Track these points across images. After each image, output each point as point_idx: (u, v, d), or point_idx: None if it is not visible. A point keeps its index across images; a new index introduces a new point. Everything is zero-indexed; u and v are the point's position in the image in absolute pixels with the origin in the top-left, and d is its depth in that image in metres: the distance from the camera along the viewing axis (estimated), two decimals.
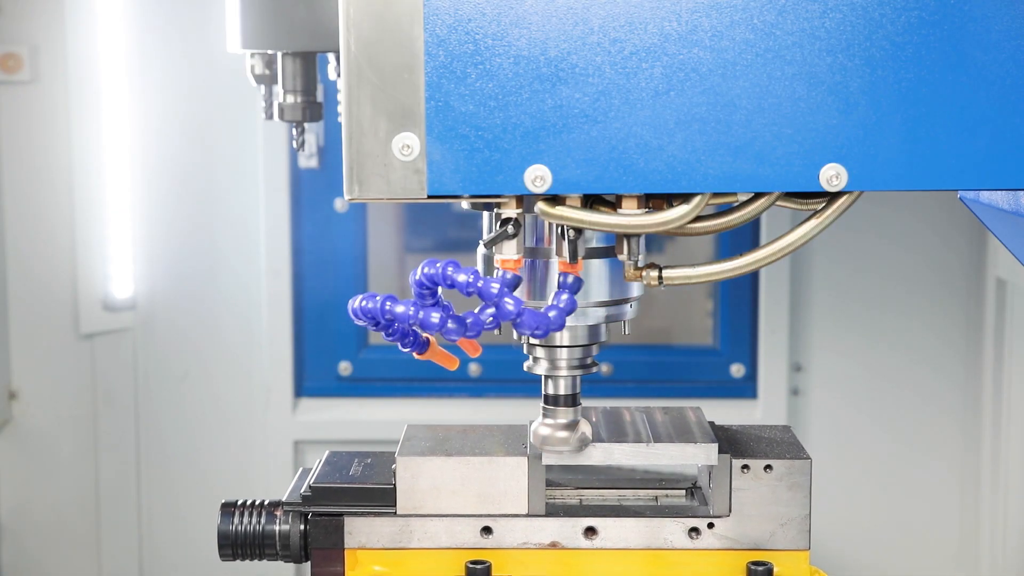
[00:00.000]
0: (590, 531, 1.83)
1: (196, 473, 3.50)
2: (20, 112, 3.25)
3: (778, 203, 1.59)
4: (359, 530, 1.84)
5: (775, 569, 1.79)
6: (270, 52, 2.44)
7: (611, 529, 1.83)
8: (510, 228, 1.52)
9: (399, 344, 1.70)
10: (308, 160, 3.39)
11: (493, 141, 1.44)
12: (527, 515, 1.83)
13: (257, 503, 1.89)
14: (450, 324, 1.54)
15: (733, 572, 1.82)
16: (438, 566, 1.83)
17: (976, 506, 3.40)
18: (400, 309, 1.54)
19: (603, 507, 1.89)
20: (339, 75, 2.74)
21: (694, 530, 1.83)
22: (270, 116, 2.55)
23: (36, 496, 3.40)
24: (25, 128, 3.26)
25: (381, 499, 1.84)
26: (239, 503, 1.90)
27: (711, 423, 1.91)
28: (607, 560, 1.83)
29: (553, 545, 1.83)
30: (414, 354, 1.74)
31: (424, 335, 1.72)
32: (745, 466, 1.82)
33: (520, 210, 1.52)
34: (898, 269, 3.39)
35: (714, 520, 1.83)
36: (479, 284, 1.51)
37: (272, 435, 3.45)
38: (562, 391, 1.77)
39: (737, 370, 3.47)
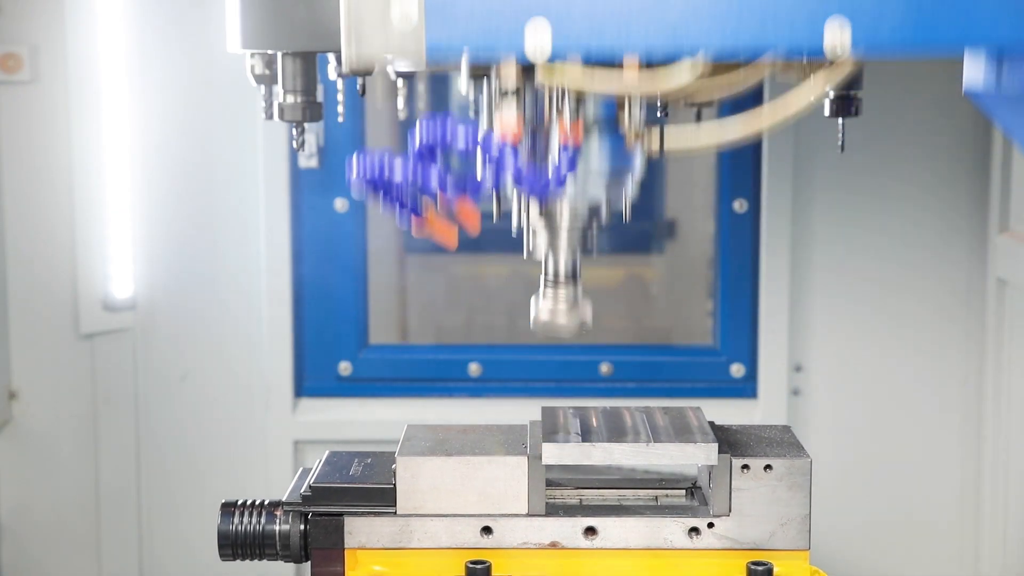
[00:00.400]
0: (590, 531, 1.84)
1: (196, 473, 3.50)
2: (20, 112, 3.25)
3: (779, 78, 1.57)
4: (359, 530, 1.84)
5: (775, 569, 1.79)
6: (270, 52, 2.44)
7: (611, 529, 1.83)
8: (510, 94, 1.50)
9: (396, 213, 1.67)
10: (308, 160, 3.39)
11: (492, 5, 1.42)
12: (527, 515, 1.83)
13: (257, 503, 1.89)
14: (449, 182, 1.52)
15: (733, 572, 1.82)
16: (438, 566, 1.84)
17: (976, 506, 3.40)
18: (400, 166, 1.52)
19: (603, 507, 1.89)
20: (339, 75, 2.74)
21: (694, 530, 1.83)
22: (270, 116, 2.55)
23: (36, 496, 3.40)
24: (25, 128, 3.26)
25: (381, 499, 1.84)
26: (239, 503, 1.90)
27: (711, 423, 1.91)
28: (607, 560, 1.84)
29: (553, 545, 1.83)
30: (413, 225, 1.69)
31: (423, 205, 1.68)
32: (745, 466, 1.82)
33: (520, 83, 1.51)
34: (898, 269, 3.39)
35: (714, 520, 1.83)
36: (479, 139, 1.49)
37: (272, 435, 3.45)
38: (562, 269, 1.74)
39: (737, 370, 3.47)
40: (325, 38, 2.21)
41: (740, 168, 3.41)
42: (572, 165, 1.57)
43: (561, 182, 1.56)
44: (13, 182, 3.26)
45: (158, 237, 3.44)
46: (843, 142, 2.54)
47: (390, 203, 1.63)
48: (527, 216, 1.72)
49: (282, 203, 3.38)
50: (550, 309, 1.75)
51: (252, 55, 2.52)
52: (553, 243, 1.73)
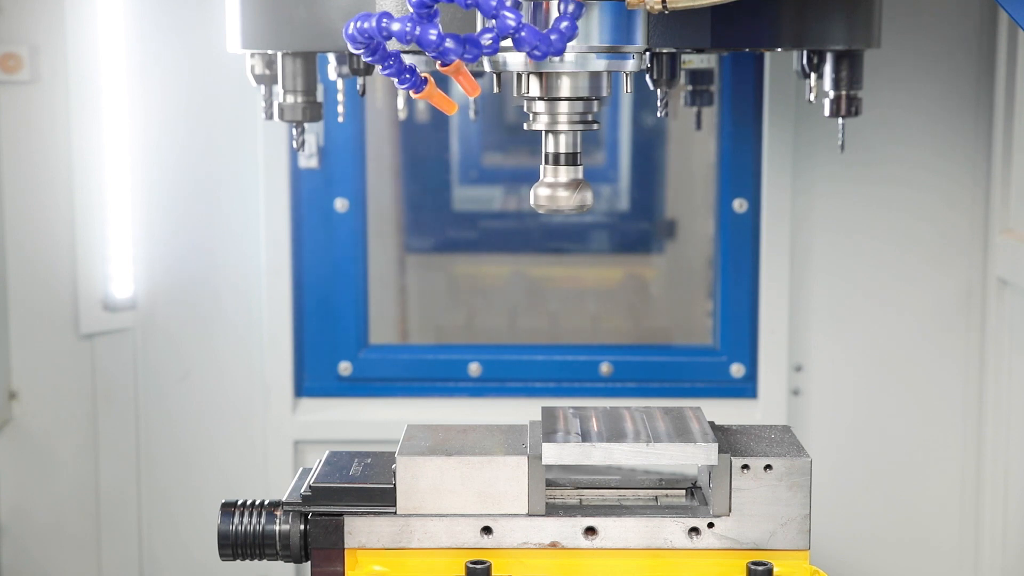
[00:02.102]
0: (590, 531, 1.84)
1: (196, 473, 3.50)
2: (20, 112, 3.25)
3: None
4: (359, 530, 1.84)
5: (775, 569, 1.79)
6: (270, 52, 2.44)
7: (611, 529, 1.84)
8: None
9: (396, 81, 1.63)
10: (308, 160, 3.39)
11: None
12: (527, 515, 1.83)
13: (257, 503, 1.90)
14: (448, 42, 1.50)
15: (733, 572, 1.82)
16: (438, 566, 1.84)
17: (977, 506, 3.40)
18: (397, 26, 1.49)
19: (603, 507, 1.89)
20: (339, 75, 2.74)
21: (694, 530, 1.83)
22: (270, 116, 2.55)
23: (36, 496, 3.40)
24: (25, 128, 3.26)
25: (381, 499, 1.84)
26: (239, 503, 1.90)
27: (711, 423, 1.91)
28: (607, 560, 1.84)
29: (553, 545, 1.84)
30: (411, 93, 1.66)
31: (422, 74, 1.66)
32: (745, 466, 1.82)
33: None
34: (898, 269, 3.39)
35: (714, 520, 1.83)
36: None
37: (272, 435, 3.45)
38: (563, 148, 1.72)
39: (737, 370, 3.47)
40: (325, 38, 2.22)
41: (740, 168, 3.41)
42: (572, 31, 1.54)
43: (561, 50, 1.53)
44: (13, 182, 3.26)
45: (158, 237, 3.44)
46: (843, 142, 2.55)
47: (387, 72, 1.60)
48: (526, 95, 1.70)
49: (282, 203, 3.38)
50: (550, 187, 1.73)
51: (252, 55, 2.52)
52: (553, 125, 1.70)
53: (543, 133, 1.72)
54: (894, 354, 3.42)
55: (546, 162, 1.73)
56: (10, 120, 3.24)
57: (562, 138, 1.71)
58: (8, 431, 3.34)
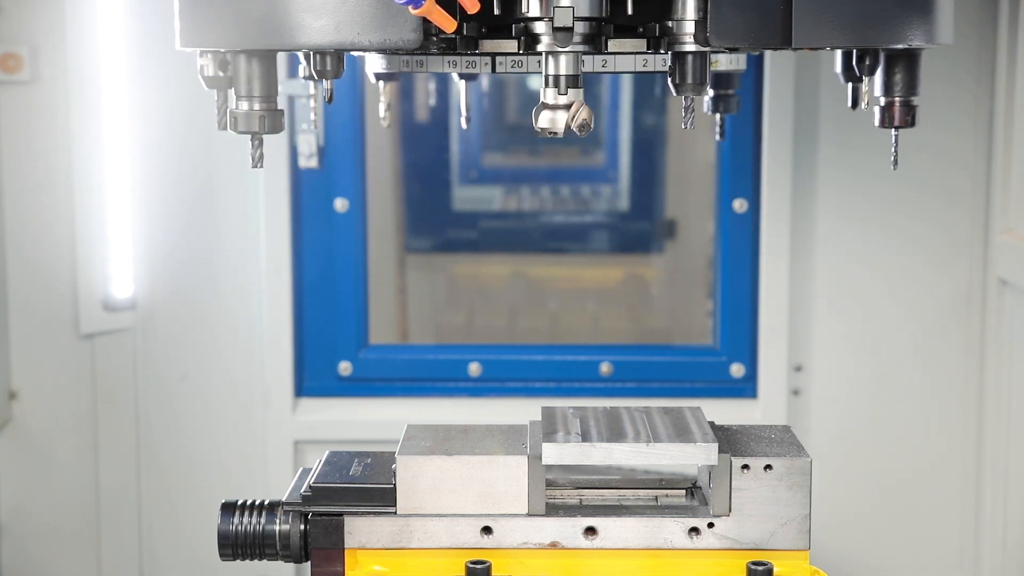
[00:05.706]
0: (590, 531, 1.84)
1: (196, 473, 3.50)
2: (20, 112, 3.25)
3: None
4: (359, 530, 1.84)
5: (775, 569, 1.79)
6: (222, 51, 2.05)
7: (611, 529, 1.84)
8: None
9: None
10: (308, 160, 3.39)
11: None
12: (527, 515, 1.83)
13: (257, 503, 1.90)
14: None
15: (733, 572, 1.83)
16: (438, 566, 1.84)
17: (976, 506, 3.40)
18: None
19: (603, 507, 1.89)
20: (305, 77, 2.58)
21: (694, 530, 1.83)
22: (223, 126, 2.10)
23: (36, 496, 3.40)
24: (25, 128, 3.26)
25: (381, 499, 1.84)
26: (239, 503, 1.90)
27: (711, 423, 1.91)
28: (607, 560, 1.84)
29: (553, 545, 1.84)
30: (410, 9, 1.61)
31: None
32: (745, 466, 1.82)
33: None
34: (898, 269, 3.39)
35: (714, 520, 1.83)
36: None
37: (272, 435, 3.45)
38: (563, 70, 1.68)
39: (737, 370, 3.47)
40: (284, 34, 1.82)
41: (740, 168, 3.41)
42: None
43: None
44: (13, 182, 3.26)
45: (158, 237, 3.44)
46: (896, 156, 2.14)
47: None
48: (527, 11, 1.65)
49: (282, 203, 3.38)
50: (551, 109, 1.68)
51: (202, 54, 2.11)
52: (553, 46, 1.66)
53: (543, 55, 1.68)
54: (894, 354, 3.42)
55: (546, 84, 1.68)
56: (10, 120, 3.24)
57: (563, 59, 1.68)
58: (8, 431, 3.34)
